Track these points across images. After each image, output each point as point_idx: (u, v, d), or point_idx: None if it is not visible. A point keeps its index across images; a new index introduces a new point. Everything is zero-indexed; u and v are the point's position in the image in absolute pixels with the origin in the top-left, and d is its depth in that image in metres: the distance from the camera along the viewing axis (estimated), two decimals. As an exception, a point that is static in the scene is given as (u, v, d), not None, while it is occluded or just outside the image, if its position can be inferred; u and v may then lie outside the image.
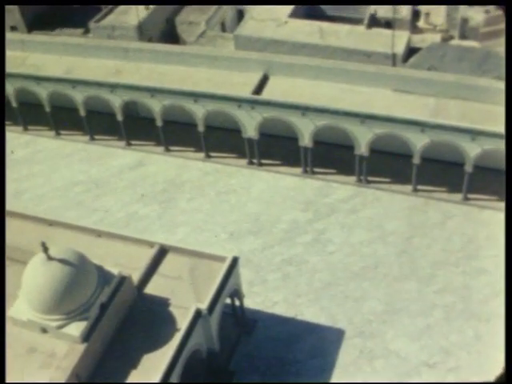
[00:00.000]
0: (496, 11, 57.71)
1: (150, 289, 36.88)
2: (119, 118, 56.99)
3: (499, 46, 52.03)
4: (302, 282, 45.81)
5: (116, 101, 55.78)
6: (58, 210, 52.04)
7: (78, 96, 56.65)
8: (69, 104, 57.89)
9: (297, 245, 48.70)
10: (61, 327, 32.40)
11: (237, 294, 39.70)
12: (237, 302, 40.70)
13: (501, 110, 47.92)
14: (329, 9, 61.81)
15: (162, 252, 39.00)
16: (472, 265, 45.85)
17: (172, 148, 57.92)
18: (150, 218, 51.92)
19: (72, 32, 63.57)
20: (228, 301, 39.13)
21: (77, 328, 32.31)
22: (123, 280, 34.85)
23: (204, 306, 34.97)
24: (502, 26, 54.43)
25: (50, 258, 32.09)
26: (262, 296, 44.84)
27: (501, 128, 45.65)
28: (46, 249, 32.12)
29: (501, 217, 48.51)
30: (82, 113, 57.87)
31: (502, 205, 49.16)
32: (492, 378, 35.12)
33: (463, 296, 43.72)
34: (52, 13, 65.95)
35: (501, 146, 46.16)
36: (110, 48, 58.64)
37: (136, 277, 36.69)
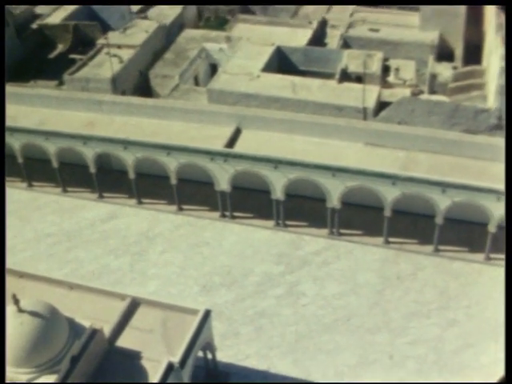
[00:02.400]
0: (463, 68, 59.11)
1: (122, 342, 36.53)
2: (92, 170, 57.00)
3: (467, 101, 53.19)
4: (274, 335, 45.63)
5: (89, 153, 55.87)
6: (29, 262, 51.63)
7: (51, 148, 56.67)
8: (41, 155, 57.87)
9: (269, 297, 48.59)
10: (31, 380, 31.92)
11: (209, 346, 39.44)
12: (209, 355, 40.43)
13: (470, 163, 49.12)
14: (301, 64, 62.73)
15: (134, 305, 38.74)
16: (444, 316, 46.02)
17: (144, 200, 57.91)
18: (122, 271, 51.62)
19: (46, 84, 63.71)
20: (200, 354, 38.86)
21: (47, 381, 31.84)
22: (94, 333, 34.50)
23: (176, 359, 34.69)
24: (469, 81, 55.88)
25: (20, 311, 31.78)
26: (234, 349, 44.56)
27: (470, 180, 46.68)
28: (16, 301, 31.83)
29: (471, 267, 49.28)
30: (55, 164, 57.80)
31: (472, 256, 50.04)
32: None
33: (435, 347, 43.78)
34: (26, 64, 66.33)
35: (470, 197, 46.95)
36: (83, 100, 58.88)
37: (107, 329, 36.35)
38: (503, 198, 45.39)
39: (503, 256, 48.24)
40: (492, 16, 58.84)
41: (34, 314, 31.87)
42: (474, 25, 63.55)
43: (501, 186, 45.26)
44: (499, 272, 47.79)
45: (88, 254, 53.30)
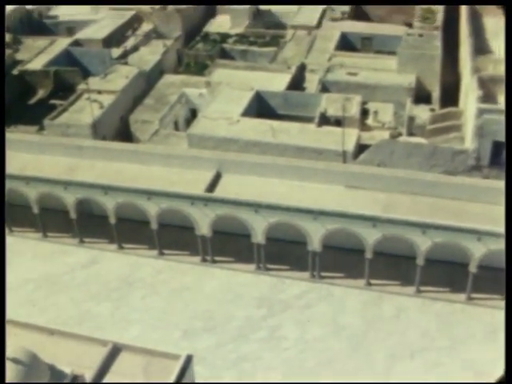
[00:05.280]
0: (440, 110, 59.99)
1: (103, 388, 36.18)
2: (72, 215, 56.80)
3: (445, 142, 53.89)
4: (257, 379, 45.24)
5: (69, 198, 55.74)
6: (9, 308, 50.89)
7: (32, 193, 56.51)
8: (22, 201, 57.62)
9: (251, 341, 48.31)
10: (10, 430, 31.46)
11: (192, 392, 39.10)
12: (192, 401, 40.06)
13: (449, 204, 49.54)
14: (280, 108, 63.29)
15: (115, 350, 38.30)
16: (427, 357, 45.92)
17: (125, 245, 57.68)
18: (103, 316, 51.18)
19: (26, 129, 63.89)
20: (183, 399, 38.50)
21: (27, 430, 31.42)
22: (76, 379, 34.12)
23: (158, 404, 34.39)
24: (447, 123, 56.72)
25: (0, 358, 31.47)
26: (217, 394, 44.27)
27: (450, 221, 47.07)
28: (-4, 348, 31.53)
29: (453, 308, 49.38)
30: (35, 210, 57.58)
31: (454, 296, 50.21)
32: None
33: (420, 390, 43.69)
34: (7, 110, 66.39)
35: (450, 238, 47.26)
36: (64, 146, 58.93)
37: (89, 376, 35.88)
38: (483, 237, 45.94)
39: (484, 296, 48.92)
40: (467, 59, 59.96)
41: (14, 360, 31.50)
42: (450, 68, 64.74)
43: (480, 225, 45.87)
44: (481, 311, 48.08)
45: (69, 300, 52.84)
